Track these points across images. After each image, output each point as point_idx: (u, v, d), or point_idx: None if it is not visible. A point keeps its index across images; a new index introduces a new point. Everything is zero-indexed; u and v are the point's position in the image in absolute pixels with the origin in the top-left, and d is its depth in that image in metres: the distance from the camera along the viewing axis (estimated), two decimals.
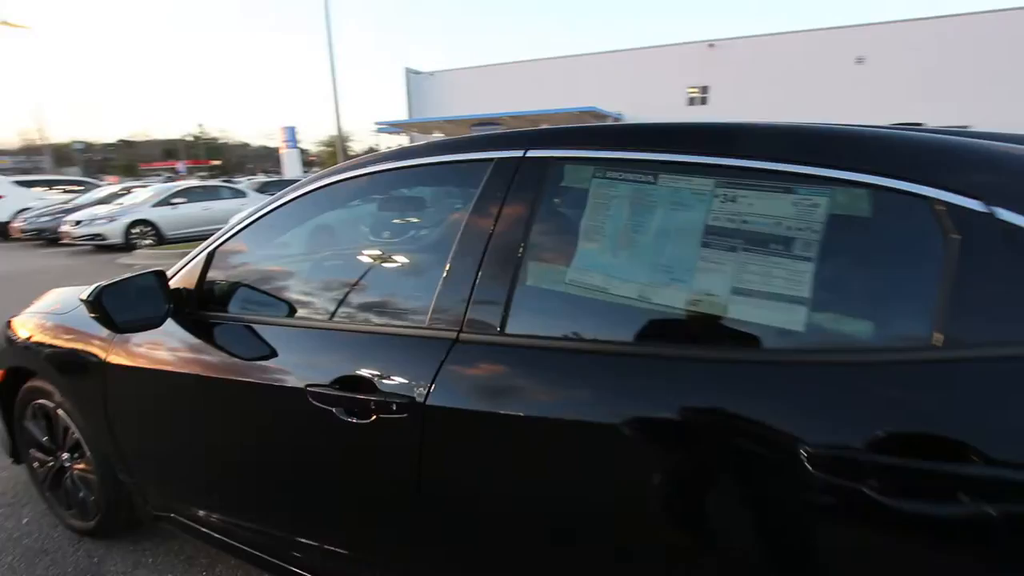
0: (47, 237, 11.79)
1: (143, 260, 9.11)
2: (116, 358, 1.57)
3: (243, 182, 19.15)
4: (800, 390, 0.83)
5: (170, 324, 1.44)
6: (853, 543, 0.78)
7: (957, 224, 0.79)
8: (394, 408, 1.07)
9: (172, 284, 1.48)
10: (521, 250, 1.06)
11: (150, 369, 1.53)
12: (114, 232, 10.14)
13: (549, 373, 1.00)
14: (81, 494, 1.93)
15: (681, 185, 0.98)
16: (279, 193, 1.50)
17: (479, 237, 1.10)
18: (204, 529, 1.61)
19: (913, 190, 0.82)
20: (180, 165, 42.31)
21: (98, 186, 15.31)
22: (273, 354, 1.31)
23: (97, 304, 1.32)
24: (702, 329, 0.94)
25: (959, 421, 0.73)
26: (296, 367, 1.26)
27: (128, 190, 13.50)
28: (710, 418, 0.87)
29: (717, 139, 0.99)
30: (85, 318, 1.68)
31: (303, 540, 1.39)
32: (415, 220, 1.58)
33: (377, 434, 1.11)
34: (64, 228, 10.42)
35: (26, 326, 1.91)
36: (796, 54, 21.08)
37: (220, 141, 77.43)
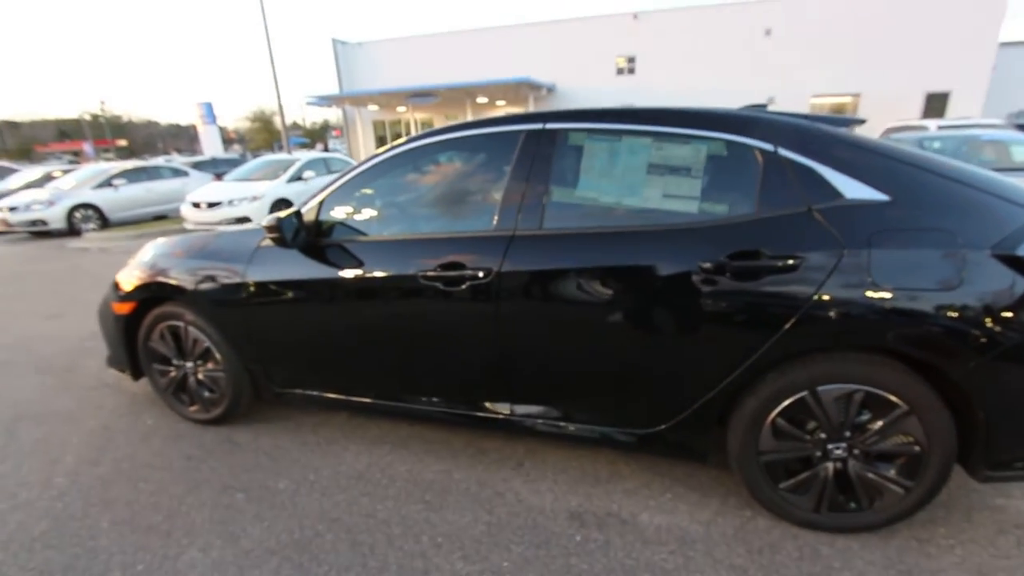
0: None
1: (97, 243, 9.06)
2: (253, 277, 2.25)
3: (160, 161, 18.29)
4: (700, 239, 1.70)
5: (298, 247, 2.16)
6: (725, 305, 1.67)
7: (762, 156, 1.68)
8: (480, 276, 1.87)
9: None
10: (547, 180, 1.87)
11: (278, 280, 2.23)
12: (55, 217, 9.86)
13: (570, 248, 1.83)
14: (205, 393, 2.58)
15: (634, 142, 1.83)
16: (364, 159, 2.21)
17: (522, 175, 1.90)
18: (324, 394, 2.35)
19: (743, 141, 1.71)
20: (87, 146, 38.87)
21: (15, 171, 14.32)
22: (386, 259, 2.05)
23: (278, 228, 2.02)
24: (651, 216, 1.79)
25: (761, 241, 1.62)
26: (406, 264, 2.01)
27: (50, 175, 12.83)
28: (659, 257, 1.72)
29: (649, 117, 1.84)
30: (220, 253, 2.36)
31: (413, 383, 2.17)
32: (473, 169, 2.31)
33: (469, 295, 1.91)
34: None
35: (155, 267, 2.50)
36: (712, 25, 22.56)
37: (125, 119, 70.79)
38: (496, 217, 1.91)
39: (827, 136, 1.69)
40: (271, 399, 2.51)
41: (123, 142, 62.87)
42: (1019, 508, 1.91)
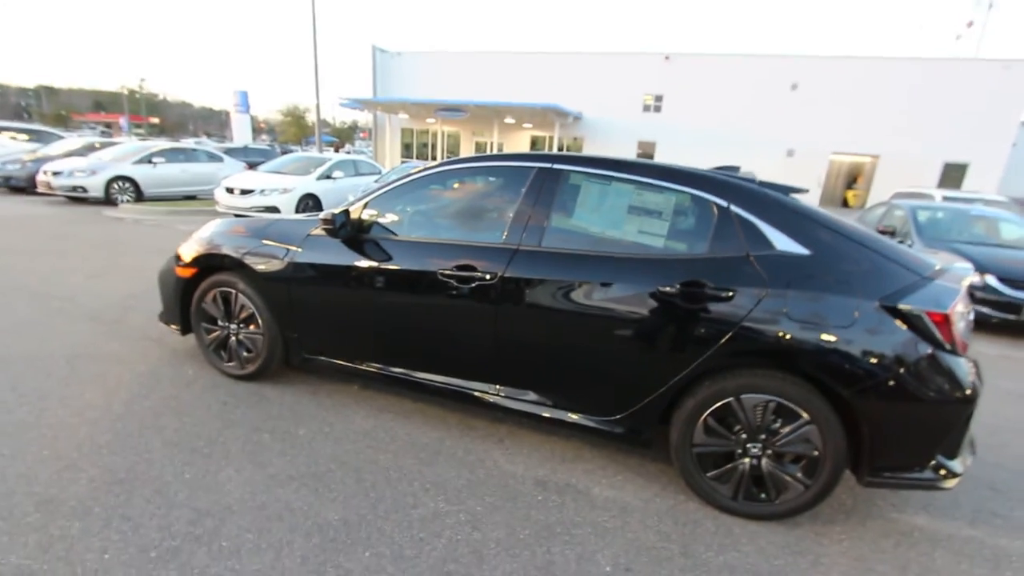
0: (13, 185, 11.80)
1: (131, 215, 9.64)
2: (303, 258, 2.72)
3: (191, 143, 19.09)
4: (662, 268, 2.15)
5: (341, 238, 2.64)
6: (676, 321, 2.11)
7: (717, 210, 2.14)
8: (487, 278, 2.32)
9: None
10: (549, 208, 2.34)
11: (323, 264, 2.69)
12: (95, 185, 10.46)
13: (562, 264, 2.28)
14: (243, 352, 3.04)
15: (621, 186, 2.29)
16: (402, 175, 2.69)
17: (530, 202, 2.37)
18: (344, 363, 2.80)
19: (704, 196, 2.17)
20: (123, 120, 40.15)
21: (60, 137, 15.04)
22: (413, 256, 2.52)
23: (332, 221, 2.50)
24: (627, 246, 2.24)
25: (708, 275, 2.07)
26: (428, 262, 2.47)
27: (93, 145, 13.51)
28: (631, 278, 2.17)
29: (635, 168, 2.31)
30: (278, 235, 2.83)
31: (422, 359, 2.61)
32: (491, 192, 2.78)
33: (476, 293, 2.36)
34: (41, 178, 10.60)
35: (214, 240, 2.99)
36: (741, 74, 23.28)
37: (160, 98, 72.90)
38: (505, 233, 2.38)
39: (771, 199, 2.15)
40: (298, 364, 2.96)
41: (155, 120, 64.46)
42: (908, 520, 2.30)
